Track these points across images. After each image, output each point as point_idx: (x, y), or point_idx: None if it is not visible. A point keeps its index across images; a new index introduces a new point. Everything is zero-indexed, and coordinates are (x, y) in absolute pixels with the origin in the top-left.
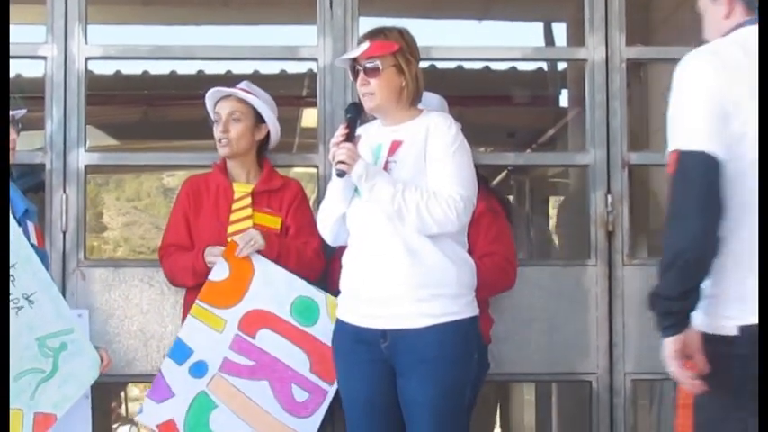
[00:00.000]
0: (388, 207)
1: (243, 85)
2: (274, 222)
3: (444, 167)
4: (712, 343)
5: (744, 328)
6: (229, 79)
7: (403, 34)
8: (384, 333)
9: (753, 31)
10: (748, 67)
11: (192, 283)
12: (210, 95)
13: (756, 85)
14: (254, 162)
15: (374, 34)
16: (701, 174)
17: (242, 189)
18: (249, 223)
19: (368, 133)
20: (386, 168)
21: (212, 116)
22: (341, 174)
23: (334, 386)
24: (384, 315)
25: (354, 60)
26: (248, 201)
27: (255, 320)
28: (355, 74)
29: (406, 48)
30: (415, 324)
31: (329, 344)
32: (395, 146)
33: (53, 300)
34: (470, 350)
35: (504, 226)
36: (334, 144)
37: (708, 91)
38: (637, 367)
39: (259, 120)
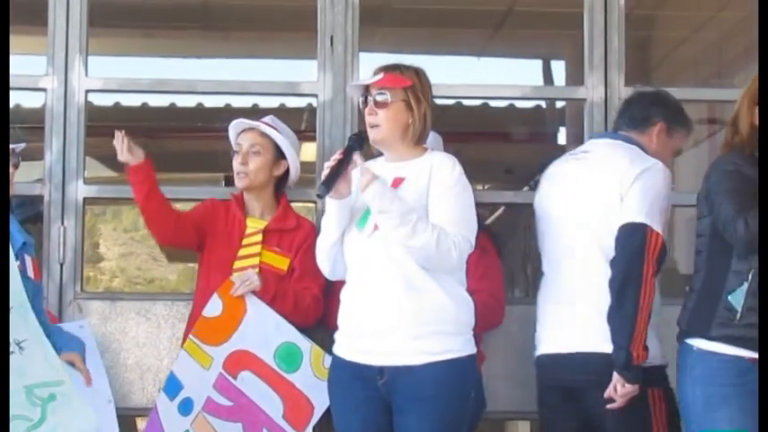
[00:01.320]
0: (397, 232)
1: (268, 119)
2: (282, 262)
3: (448, 207)
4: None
5: (538, 357)
6: (229, 112)
7: (419, 73)
8: (381, 370)
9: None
10: (568, 172)
11: (139, 193)
12: (234, 126)
13: (577, 181)
14: (270, 197)
15: (390, 68)
16: None
17: (255, 225)
18: (256, 260)
19: (372, 169)
20: None
21: (234, 147)
22: (321, 194)
23: None
24: (382, 352)
25: (366, 90)
26: (259, 237)
27: (239, 361)
28: (365, 103)
29: (418, 86)
30: (412, 361)
31: (306, 392)
32: (397, 182)
33: (43, 349)
34: (468, 388)
35: (493, 263)
36: (327, 167)
37: (536, 203)
38: None
39: (279, 155)
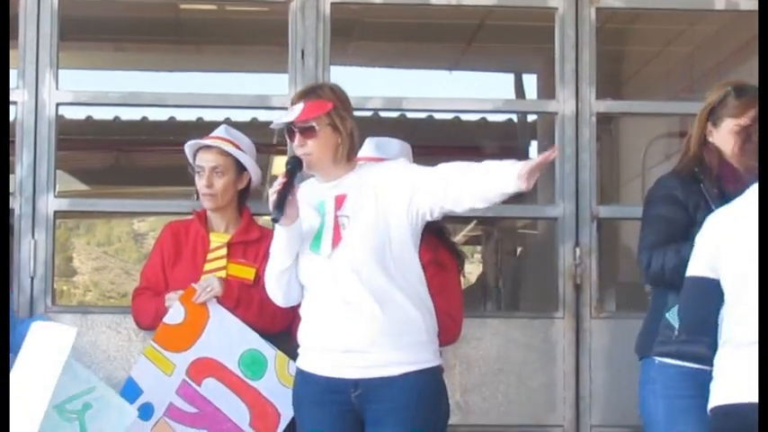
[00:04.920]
0: None
1: (222, 131)
2: (248, 272)
3: (431, 169)
4: None
5: None
6: (201, 126)
7: (335, 91)
8: (356, 382)
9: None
10: None
11: (152, 325)
12: (190, 146)
13: None
14: (234, 211)
15: (307, 94)
16: None
17: (218, 239)
18: (222, 274)
19: (305, 192)
20: (337, 223)
21: (192, 164)
22: (277, 219)
23: None
24: (358, 365)
25: (290, 122)
26: (224, 251)
27: (203, 368)
28: (291, 134)
29: (339, 105)
30: (389, 372)
31: (272, 399)
32: (340, 200)
33: (65, 366)
34: (441, 397)
35: (451, 279)
36: (273, 192)
37: None
38: (603, 420)
39: (241, 168)
